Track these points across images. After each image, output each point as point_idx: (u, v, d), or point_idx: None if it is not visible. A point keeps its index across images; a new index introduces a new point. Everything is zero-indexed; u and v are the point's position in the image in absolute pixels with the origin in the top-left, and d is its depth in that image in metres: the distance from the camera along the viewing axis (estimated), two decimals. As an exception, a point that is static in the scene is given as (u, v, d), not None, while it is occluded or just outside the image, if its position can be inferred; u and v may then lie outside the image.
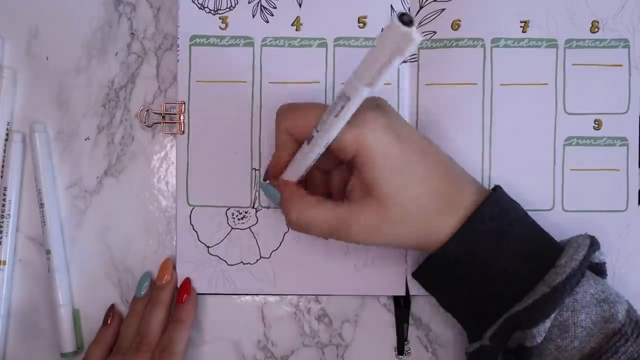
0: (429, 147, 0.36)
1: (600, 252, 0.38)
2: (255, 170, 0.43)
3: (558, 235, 0.42)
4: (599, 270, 0.38)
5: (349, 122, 0.32)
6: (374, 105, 0.35)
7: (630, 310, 0.36)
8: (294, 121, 0.35)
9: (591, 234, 0.38)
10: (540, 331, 0.34)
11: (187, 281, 0.42)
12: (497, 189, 0.37)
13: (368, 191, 0.35)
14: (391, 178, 0.34)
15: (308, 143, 0.34)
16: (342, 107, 0.30)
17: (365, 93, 0.29)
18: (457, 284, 0.37)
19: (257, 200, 0.43)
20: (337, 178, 0.39)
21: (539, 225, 0.38)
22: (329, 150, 0.34)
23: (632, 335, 0.34)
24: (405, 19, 0.25)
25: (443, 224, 0.36)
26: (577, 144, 0.42)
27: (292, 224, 0.37)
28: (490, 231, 0.35)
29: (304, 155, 0.35)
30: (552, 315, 0.34)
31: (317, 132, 0.33)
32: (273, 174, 0.38)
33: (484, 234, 0.35)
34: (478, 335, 0.37)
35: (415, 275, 0.39)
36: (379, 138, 0.34)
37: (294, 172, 0.37)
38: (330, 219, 0.36)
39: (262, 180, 0.39)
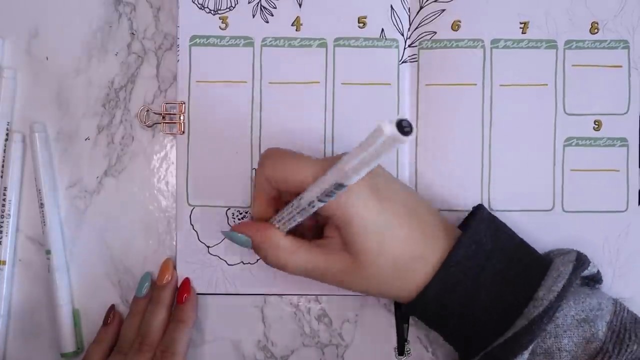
0: (413, 204, 0.36)
1: (592, 264, 0.38)
2: (255, 170, 0.42)
3: (558, 236, 0.42)
4: (594, 279, 0.39)
5: None
6: None
7: (612, 320, 0.36)
8: (281, 172, 0.35)
9: (582, 247, 0.38)
10: None
11: (187, 281, 0.42)
12: (473, 221, 0.37)
13: (345, 247, 0.35)
14: (369, 242, 0.34)
15: (298, 210, 0.34)
16: (333, 193, 0.31)
17: (357, 179, 0.30)
18: (438, 324, 0.38)
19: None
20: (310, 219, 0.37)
21: (521, 246, 0.38)
22: None
23: (614, 351, 0.34)
24: (406, 129, 0.26)
25: (418, 278, 0.36)
26: (577, 145, 0.43)
27: (268, 264, 0.37)
28: (467, 271, 0.36)
29: (290, 215, 0.35)
30: (530, 347, 0.34)
31: (307, 205, 0.33)
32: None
33: (461, 274, 0.36)
34: None
35: (396, 306, 0.39)
36: (361, 203, 0.34)
37: (282, 223, 0.36)
38: (306, 265, 0.36)
39: (227, 229, 0.38)
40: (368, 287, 0.37)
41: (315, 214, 0.34)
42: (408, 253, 0.35)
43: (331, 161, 0.33)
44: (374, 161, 0.28)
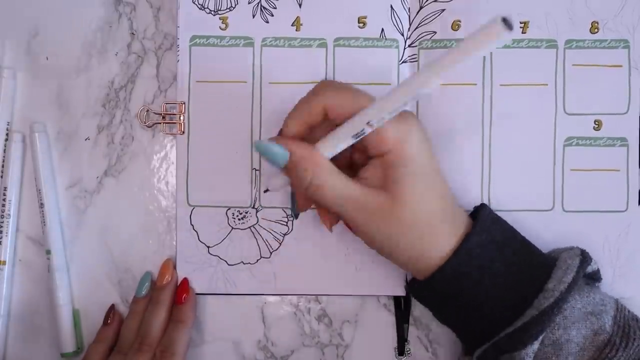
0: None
1: (594, 261, 0.38)
2: (255, 170, 0.43)
3: (558, 236, 0.42)
4: (594, 277, 0.39)
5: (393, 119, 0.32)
6: (412, 116, 0.35)
7: (616, 315, 0.36)
8: (339, 99, 0.34)
9: (582, 247, 0.39)
10: (529, 352, 0.34)
11: (186, 281, 0.42)
12: (482, 213, 0.37)
13: (387, 187, 0.34)
14: (417, 185, 0.34)
15: (352, 133, 0.33)
16: (405, 104, 0.31)
17: (435, 85, 0.30)
18: (450, 304, 0.37)
19: (257, 200, 0.43)
20: (343, 154, 0.36)
21: (526, 242, 0.38)
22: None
23: (621, 344, 0.35)
24: (508, 24, 0.27)
25: (437, 247, 0.35)
26: (577, 145, 0.42)
27: (303, 188, 0.34)
28: (478, 260, 0.36)
29: (338, 140, 0.34)
30: (540, 337, 0.34)
31: (370, 126, 0.33)
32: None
33: (472, 262, 0.36)
34: (470, 352, 0.38)
35: (409, 287, 0.39)
36: (416, 144, 0.34)
37: (324, 149, 0.35)
38: (343, 191, 0.34)
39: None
40: (393, 236, 0.35)
41: (358, 148, 0.34)
42: (442, 207, 0.35)
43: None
44: (460, 62, 0.29)
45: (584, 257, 0.37)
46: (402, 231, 0.35)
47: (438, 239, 0.35)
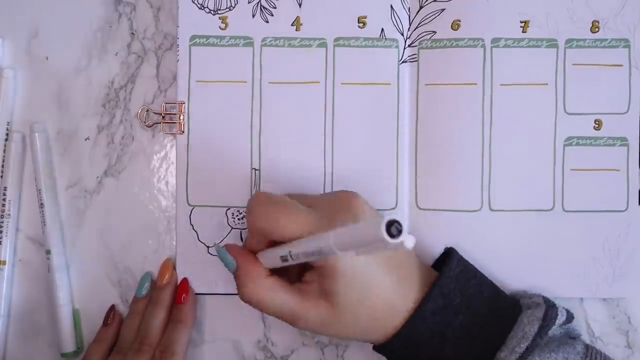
0: (395, 255, 0.36)
1: (561, 311, 0.37)
2: (255, 170, 0.42)
3: (558, 236, 0.42)
4: (565, 321, 0.38)
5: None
6: (344, 208, 0.35)
7: None
8: (269, 225, 0.34)
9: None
10: None
11: (185, 281, 0.42)
12: (443, 272, 0.37)
13: (325, 295, 0.35)
14: (352, 293, 0.34)
15: (281, 260, 0.34)
16: (318, 255, 0.31)
17: (342, 255, 0.29)
18: None
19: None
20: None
21: (490, 296, 0.37)
22: None
23: None
24: (394, 231, 0.24)
25: (387, 327, 0.36)
26: (577, 144, 0.42)
27: (243, 299, 0.36)
28: (433, 327, 0.36)
29: (274, 260, 0.35)
30: None
31: (291, 258, 0.33)
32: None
33: (427, 330, 0.36)
34: None
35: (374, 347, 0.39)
36: (346, 256, 0.33)
37: (266, 262, 0.36)
38: (281, 308, 0.36)
39: (218, 245, 0.38)
40: (341, 334, 0.36)
41: None
42: (386, 302, 0.35)
43: (322, 214, 0.34)
44: (359, 247, 0.27)
45: (546, 320, 0.36)
46: (344, 331, 0.36)
47: (385, 323, 0.36)
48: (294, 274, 0.38)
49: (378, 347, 0.38)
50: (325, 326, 0.36)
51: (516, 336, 0.35)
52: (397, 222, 0.24)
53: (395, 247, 0.25)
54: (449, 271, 0.37)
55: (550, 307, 0.37)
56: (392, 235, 0.24)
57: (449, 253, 0.39)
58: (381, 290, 0.35)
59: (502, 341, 0.36)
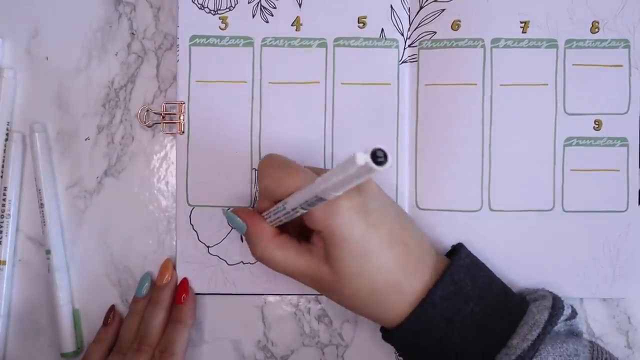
0: (401, 231, 0.36)
1: (567, 305, 0.37)
2: (255, 170, 0.42)
3: (558, 236, 0.42)
4: (570, 317, 0.38)
5: None
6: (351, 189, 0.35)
7: None
8: (274, 184, 0.35)
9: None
10: None
11: (185, 281, 0.42)
12: (454, 260, 0.37)
13: (327, 261, 0.35)
14: (349, 263, 0.34)
15: (283, 213, 0.35)
16: (315, 204, 0.32)
17: (335, 196, 0.30)
18: (420, 354, 0.37)
19: (257, 200, 0.42)
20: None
21: (498, 290, 0.37)
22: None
23: None
24: (379, 160, 0.26)
25: (395, 311, 0.36)
26: (577, 145, 0.42)
27: (255, 258, 0.37)
28: (443, 312, 0.36)
29: (277, 215, 0.35)
30: None
31: (291, 210, 0.34)
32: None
33: (436, 316, 0.36)
34: None
35: (382, 333, 0.39)
36: (346, 222, 0.34)
37: (270, 220, 0.37)
38: (292, 266, 0.36)
39: (227, 210, 0.39)
40: (345, 304, 0.37)
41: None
42: (385, 280, 0.35)
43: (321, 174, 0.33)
44: (348, 185, 0.29)
45: (554, 311, 0.36)
46: (348, 300, 0.37)
47: (391, 304, 0.36)
48: (298, 233, 0.38)
49: (389, 335, 0.38)
50: (328, 292, 0.37)
51: (527, 324, 0.35)
52: (381, 149, 0.26)
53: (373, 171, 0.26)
54: (459, 260, 0.37)
55: (556, 299, 0.37)
56: (378, 163, 0.26)
57: (458, 248, 0.39)
58: (382, 264, 0.35)
59: (513, 329, 0.36)
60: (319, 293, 0.43)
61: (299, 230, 0.38)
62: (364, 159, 0.26)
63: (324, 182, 0.29)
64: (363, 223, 0.34)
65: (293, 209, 0.33)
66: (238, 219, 0.37)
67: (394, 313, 0.36)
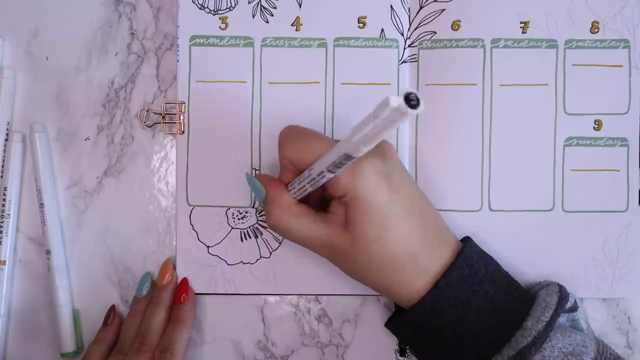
0: (419, 202, 0.36)
1: (571, 295, 0.38)
2: (256, 170, 0.43)
3: (558, 236, 0.42)
4: (572, 309, 0.38)
5: None
6: (375, 147, 0.35)
7: (597, 358, 0.35)
8: (296, 152, 0.35)
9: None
10: None
11: (185, 281, 0.42)
12: (466, 246, 0.37)
13: (347, 226, 0.35)
14: (370, 227, 0.34)
15: (308, 180, 0.34)
16: (342, 164, 0.31)
17: (365, 151, 0.30)
18: (427, 342, 0.37)
19: (257, 200, 0.43)
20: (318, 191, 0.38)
21: (508, 278, 0.38)
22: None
23: None
24: (412, 103, 0.26)
25: (411, 286, 0.36)
26: (577, 145, 0.42)
27: (270, 226, 0.37)
28: (458, 294, 0.36)
29: (301, 185, 0.35)
30: None
31: (317, 175, 0.33)
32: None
33: (452, 297, 0.36)
34: None
35: (387, 325, 0.39)
36: (369, 186, 0.34)
37: (295, 192, 0.37)
38: (307, 235, 0.36)
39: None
40: (360, 273, 0.37)
41: (325, 188, 0.35)
42: (403, 249, 0.35)
43: None
44: (381, 134, 0.28)
45: (562, 295, 0.36)
46: (364, 269, 0.36)
47: (406, 278, 0.36)
48: (318, 208, 0.38)
49: (401, 317, 0.37)
50: (345, 260, 0.36)
51: (540, 306, 0.36)
52: (413, 92, 0.26)
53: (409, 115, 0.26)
54: (472, 246, 0.38)
55: (561, 285, 0.38)
56: (411, 106, 0.26)
57: (465, 240, 0.39)
58: (401, 231, 0.35)
59: (526, 312, 0.36)
60: (317, 293, 0.43)
61: (318, 205, 0.38)
62: (397, 101, 0.26)
63: (356, 133, 0.29)
64: (386, 187, 0.34)
65: (319, 174, 0.33)
66: (259, 183, 0.37)
67: (409, 289, 0.36)
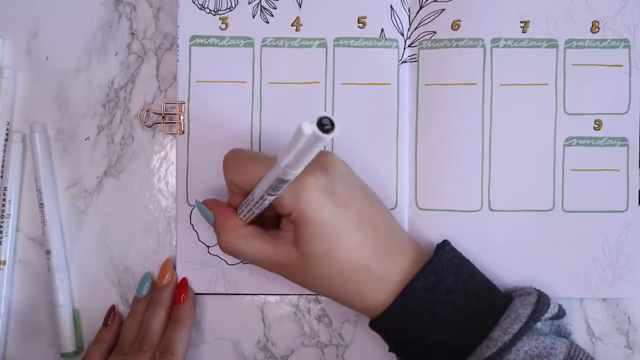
0: (370, 214, 0.36)
1: (554, 304, 0.37)
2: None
3: (558, 236, 0.42)
4: (557, 316, 0.38)
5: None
6: (319, 164, 0.35)
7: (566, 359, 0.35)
8: (238, 176, 0.36)
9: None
10: None
11: (185, 281, 0.42)
12: (437, 254, 0.37)
13: (296, 244, 0.35)
14: (316, 245, 0.35)
15: (253, 203, 0.35)
16: (279, 187, 0.32)
17: (296, 174, 0.30)
18: (400, 347, 0.38)
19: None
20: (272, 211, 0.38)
21: (482, 285, 0.38)
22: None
23: None
24: (326, 127, 0.26)
25: (367, 296, 0.36)
26: (577, 144, 0.42)
27: (222, 250, 0.38)
28: (424, 303, 0.36)
29: (248, 208, 0.36)
30: None
31: (260, 199, 0.34)
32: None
33: (418, 306, 0.36)
34: None
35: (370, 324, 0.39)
36: (312, 204, 0.34)
37: (244, 215, 0.37)
38: (256, 255, 0.37)
39: (198, 200, 0.39)
40: (314, 286, 0.37)
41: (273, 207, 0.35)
42: (352, 262, 0.35)
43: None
44: (305, 157, 0.29)
45: (538, 306, 0.36)
46: (317, 283, 0.37)
47: (364, 289, 0.36)
48: (274, 226, 0.39)
49: (373, 323, 0.38)
50: (297, 275, 0.37)
51: (510, 317, 0.35)
52: (327, 117, 0.26)
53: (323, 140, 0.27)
54: (442, 253, 0.38)
55: (542, 295, 0.37)
56: (325, 131, 0.26)
57: (443, 245, 0.39)
58: (348, 245, 0.35)
59: (495, 322, 0.36)
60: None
61: (274, 223, 0.38)
62: (310, 128, 0.26)
63: (280, 160, 0.30)
64: (330, 202, 0.34)
65: (261, 197, 0.34)
66: (207, 210, 0.38)
67: (375, 302, 0.36)
